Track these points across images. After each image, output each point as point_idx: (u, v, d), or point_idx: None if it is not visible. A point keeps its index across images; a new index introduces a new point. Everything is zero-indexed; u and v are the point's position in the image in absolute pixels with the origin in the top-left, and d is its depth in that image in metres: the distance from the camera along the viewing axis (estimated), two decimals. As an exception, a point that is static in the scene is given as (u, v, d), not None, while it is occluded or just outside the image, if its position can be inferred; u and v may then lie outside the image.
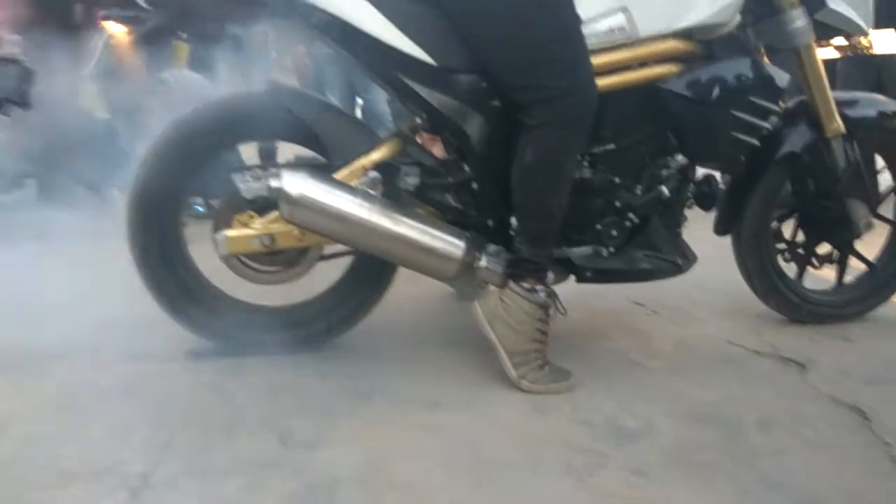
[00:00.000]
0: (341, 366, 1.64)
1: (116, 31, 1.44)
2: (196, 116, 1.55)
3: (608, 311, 2.07)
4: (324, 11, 1.44)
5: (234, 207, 1.55)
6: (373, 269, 1.67)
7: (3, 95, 1.52)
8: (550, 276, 1.56)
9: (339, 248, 1.64)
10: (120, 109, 2.45)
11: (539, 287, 1.52)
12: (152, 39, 1.46)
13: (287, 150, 1.76)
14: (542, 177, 1.46)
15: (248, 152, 2.98)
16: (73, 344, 1.70)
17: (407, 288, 1.86)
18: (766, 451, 1.30)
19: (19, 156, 3.24)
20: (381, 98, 3.46)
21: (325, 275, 1.73)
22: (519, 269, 1.52)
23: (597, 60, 1.49)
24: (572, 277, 1.65)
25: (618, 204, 1.60)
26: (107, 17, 1.45)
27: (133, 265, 1.61)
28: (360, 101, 3.73)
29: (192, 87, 2.26)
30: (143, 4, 1.39)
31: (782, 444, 1.32)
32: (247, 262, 1.59)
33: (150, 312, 1.67)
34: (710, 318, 2.02)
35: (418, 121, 1.61)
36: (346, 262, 1.72)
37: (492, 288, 1.58)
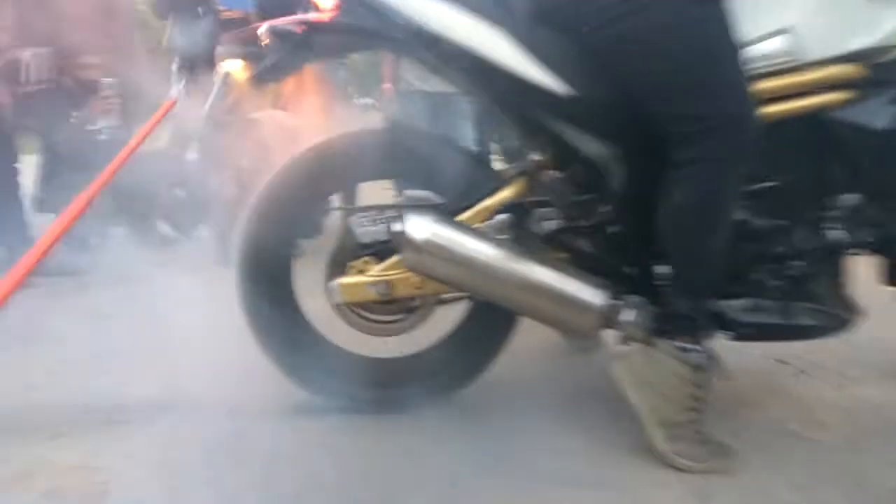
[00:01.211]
0: (459, 428, 1.47)
1: (234, 68, 1.36)
2: (313, 156, 1.44)
3: (749, 370, 1.83)
4: (449, 41, 1.32)
5: (349, 252, 1.43)
6: (494, 316, 1.51)
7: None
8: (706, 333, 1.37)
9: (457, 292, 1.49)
10: (212, 149, 2.41)
11: (694, 346, 1.33)
12: (267, 77, 1.37)
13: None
14: (700, 218, 1.28)
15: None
16: (173, 395, 1.60)
17: (521, 338, 1.69)
18: None
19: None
20: (468, 133, 3.36)
21: (442, 321, 1.58)
22: (670, 325, 1.33)
23: (756, 87, 1.31)
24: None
25: (779, 249, 1.39)
26: (224, 55, 1.38)
27: (240, 310, 1.51)
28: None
29: (283, 126, 2.20)
30: (267, 40, 1.30)
31: None
32: (359, 311, 1.46)
33: (253, 362, 1.56)
34: (871, 381, 1.76)
35: (543, 157, 1.47)
36: (463, 307, 1.57)
37: (634, 345, 1.39)
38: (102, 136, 3.42)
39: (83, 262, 2.92)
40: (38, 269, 2.80)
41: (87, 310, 2.22)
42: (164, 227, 3.65)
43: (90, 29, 2.76)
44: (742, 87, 1.27)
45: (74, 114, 3.26)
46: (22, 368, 1.73)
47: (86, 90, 3.12)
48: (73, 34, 2.77)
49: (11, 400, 1.62)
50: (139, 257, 2.92)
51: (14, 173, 3.04)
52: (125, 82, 3.28)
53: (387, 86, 3.41)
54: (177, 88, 1.40)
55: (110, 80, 3.23)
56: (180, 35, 3.15)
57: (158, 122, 1.50)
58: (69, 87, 3.05)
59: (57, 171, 3.21)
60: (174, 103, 1.52)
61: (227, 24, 3.00)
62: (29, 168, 3.24)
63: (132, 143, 1.53)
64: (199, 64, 2.59)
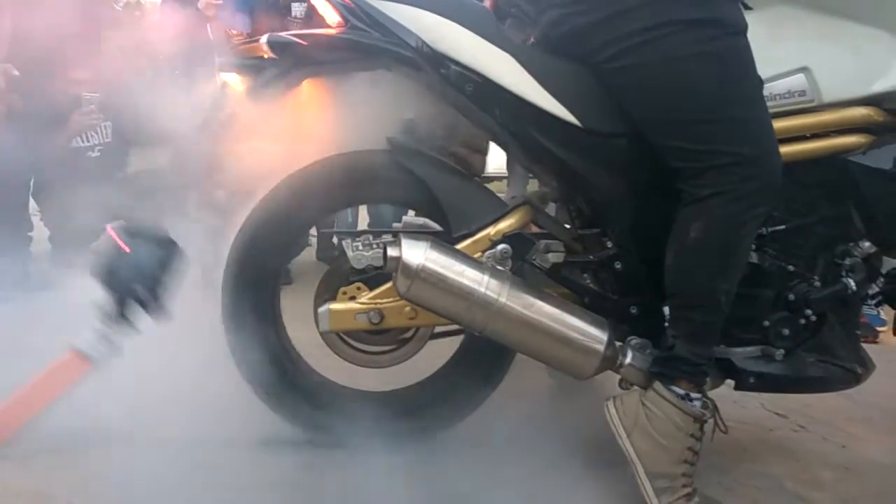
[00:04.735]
0: (437, 469, 1.39)
1: (231, 80, 1.31)
2: (306, 178, 1.38)
3: (746, 422, 1.76)
4: (459, 63, 1.27)
5: (341, 277, 1.35)
6: (488, 352, 1.43)
7: None
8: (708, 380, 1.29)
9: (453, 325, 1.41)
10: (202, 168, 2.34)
11: (695, 394, 1.25)
12: (266, 91, 1.31)
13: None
14: (711, 257, 1.21)
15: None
16: (134, 420, 1.48)
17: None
18: None
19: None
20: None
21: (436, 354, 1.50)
22: (670, 370, 1.26)
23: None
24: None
25: (791, 297, 1.33)
26: (223, 67, 1.33)
27: (217, 335, 1.42)
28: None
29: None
30: (267, 51, 1.25)
31: None
32: (348, 340, 1.38)
33: (225, 390, 1.46)
34: (874, 439, 1.69)
35: (547, 187, 1.42)
36: (457, 341, 1.49)
37: (632, 388, 1.32)
38: (94, 154, 3.36)
39: (61, 278, 2.83)
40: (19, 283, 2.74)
41: (60, 326, 2.12)
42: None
43: (79, 44, 2.72)
44: (765, 123, 1.23)
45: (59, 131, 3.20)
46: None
47: (70, 106, 3.06)
48: (62, 49, 2.72)
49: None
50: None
51: None
52: (113, 98, 3.22)
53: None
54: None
55: (92, 95, 3.17)
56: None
57: None
58: (56, 103, 2.99)
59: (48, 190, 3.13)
60: None
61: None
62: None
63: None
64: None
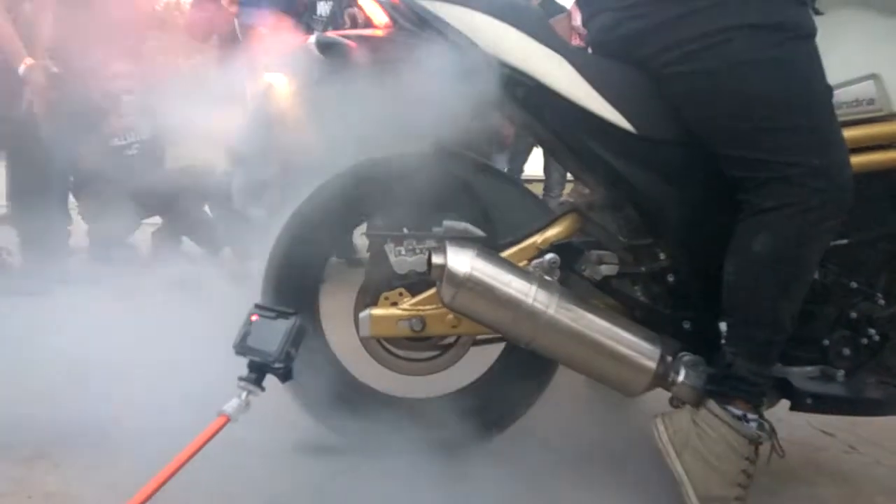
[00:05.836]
0: (483, 483, 1.33)
1: (277, 80, 1.29)
2: (349, 178, 1.35)
3: (794, 441, 1.68)
4: (510, 66, 1.24)
5: (383, 282, 1.32)
6: (531, 361, 1.39)
7: None
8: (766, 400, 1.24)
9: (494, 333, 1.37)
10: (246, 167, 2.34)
11: (751, 415, 1.20)
12: (314, 91, 1.29)
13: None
14: (776, 273, 1.16)
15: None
16: (167, 422, 1.46)
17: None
18: None
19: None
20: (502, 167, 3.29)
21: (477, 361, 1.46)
22: (728, 388, 1.21)
23: (839, 136, 1.21)
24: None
25: (853, 315, 1.27)
26: (269, 67, 1.32)
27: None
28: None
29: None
30: (316, 51, 1.23)
31: None
32: (388, 346, 1.35)
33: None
34: (928, 464, 1.61)
35: (598, 194, 1.38)
36: (498, 349, 1.45)
37: (683, 406, 1.27)
38: (132, 152, 3.39)
39: (99, 273, 2.86)
40: (51, 277, 2.78)
41: (94, 322, 2.13)
42: (189, 244, 3.59)
43: (119, 42, 2.75)
44: (834, 132, 1.17)
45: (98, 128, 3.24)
46: (16, 379, 1.64)
47: (109, 104, 3.10)
48: (102, 47, 2.75)
49: (-1, 413, 1.52)
50: (158, 272, 2.83)
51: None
52: (151, 96, 3.25)
53: None
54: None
55: (129, 93, 3.20)
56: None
57: None
58: (95, 101, 3.02)
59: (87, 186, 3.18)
60: None
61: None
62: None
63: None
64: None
